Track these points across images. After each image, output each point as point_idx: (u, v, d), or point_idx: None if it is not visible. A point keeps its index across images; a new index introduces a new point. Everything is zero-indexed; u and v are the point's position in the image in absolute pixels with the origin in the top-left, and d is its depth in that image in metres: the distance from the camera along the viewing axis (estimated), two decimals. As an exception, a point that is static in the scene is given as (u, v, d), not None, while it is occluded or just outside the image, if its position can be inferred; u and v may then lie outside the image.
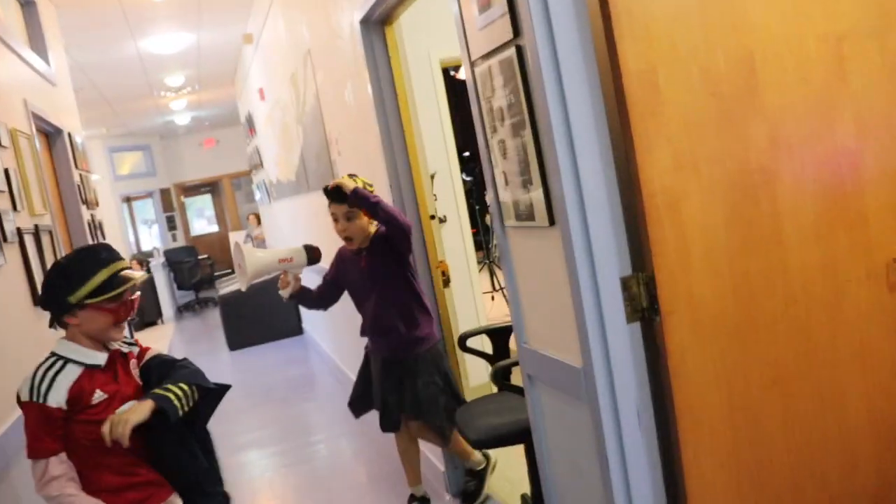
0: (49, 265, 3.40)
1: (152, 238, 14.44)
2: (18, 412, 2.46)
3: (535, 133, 1.93)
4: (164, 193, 14.43)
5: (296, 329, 8.40)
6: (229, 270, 14.21)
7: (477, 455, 3.26)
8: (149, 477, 2.03)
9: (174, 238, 14.54)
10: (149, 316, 10.56)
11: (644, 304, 1.89)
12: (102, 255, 1.97)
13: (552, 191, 1.92)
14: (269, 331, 8.30)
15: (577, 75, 1.85)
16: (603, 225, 1.87)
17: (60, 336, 2.00)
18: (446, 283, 3.36)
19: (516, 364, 2.39)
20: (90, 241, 4.95)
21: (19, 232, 3.08)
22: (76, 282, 1.90)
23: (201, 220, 15.78)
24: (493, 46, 2.03)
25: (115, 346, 2.05)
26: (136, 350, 2.15)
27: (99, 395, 1.93)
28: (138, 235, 14.49)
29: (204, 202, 15.78)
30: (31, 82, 4.13)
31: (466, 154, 7.50)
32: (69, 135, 4.89)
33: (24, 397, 1.87)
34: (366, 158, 3.63)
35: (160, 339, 9.40)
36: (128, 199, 14.07)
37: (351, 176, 3.04)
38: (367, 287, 3.10)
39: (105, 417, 1.90)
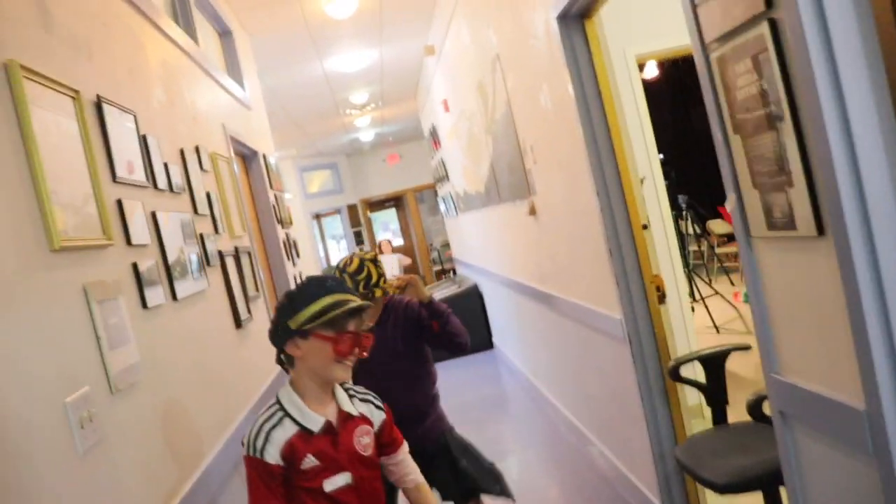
0: (247, 286, 3.46)
1: (341, 252, 14.96)
2: (223, 442, 2.45)
3: (798, 126, 1.60)
4: (351, 209, 14.94)
5: (486, 343, 8.28)
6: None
7: None
8: None
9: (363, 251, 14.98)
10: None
11: (946, 331, 1.51)
12: (329, 283, 1.86)
13: (822, 194, 1.57)
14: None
15: (855, 53, 1.50)
16: (890, 234, 1.50)
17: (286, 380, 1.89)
18: (661, 299, 3.03)
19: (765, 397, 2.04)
20: (286, 260, 5.06)
21: (220, 255, 3.11)
22: (299, 305, 1.80)
23: (387, 233, 16.18)
24: (737, 23, 1.71)
25: (345, 406, 1.86)
26: (376, 416, 1.94)
27: (309, 461, 1.77)
28: (328, 250, 15.07)
29: (389, 216, 16.18)
30: (229, 107, 4.25)
31: (661, 157, 7.06)
32: (264, 156, 5.02)
33: (245, 450, 1.78)
34: (567, 165, 3.38)
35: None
36: (317, 216, 14.68)
37: (373, 263, 2.79)
38: (386, 367, 2.71)
39: (316, 486, 1.77)
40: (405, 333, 2.80)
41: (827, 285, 1.62)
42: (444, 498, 2.76)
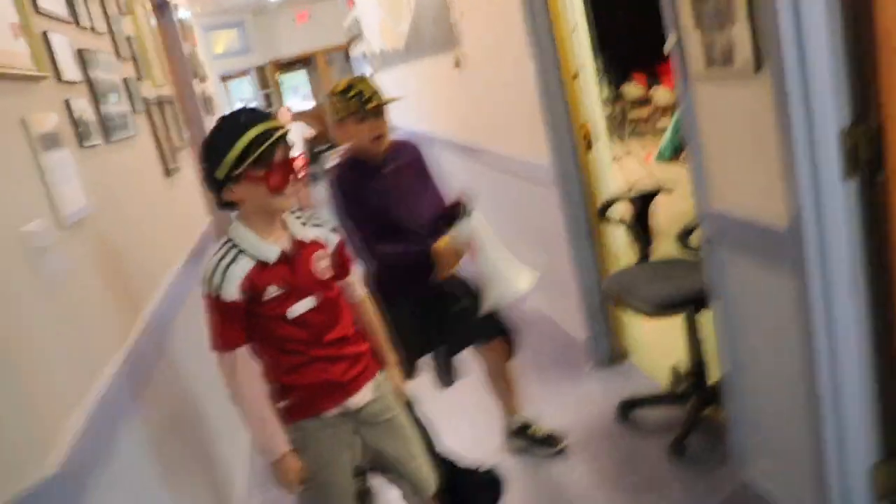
0: (172, 136, 3.37)
1: (250, 117, 14.54)
2: (166, 284, 2.47)
3: (743, -39, 1.65)
4: (260, 71, 14.35)
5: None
6: (328, 146, 14.24)
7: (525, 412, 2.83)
8: (340, 352, 1.91)
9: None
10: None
11: (865, 160, 1.65)
12: (241, 119, 1.75)
13: (760, 31, 1.65)
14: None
15: None
16: (822, 68, 1.61)
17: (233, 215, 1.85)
18: (589, 146, 3.13)
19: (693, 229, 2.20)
20: (203, 114, 4.91)
21: (145, 102, 3.00)
22: (221, 151, 1.72)
23: (297, 96, 15.71)
24: None
25: (297, 234, 1.85)
26: (329, 239, 1.93)
27: (271, 291, 1.78)
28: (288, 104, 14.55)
29: (299, 79, 15.66)
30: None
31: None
32: (175, 6, 4.77)
33: (203, 290, 1.78)
34: (497, 17, 3.36)
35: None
36: (224, 79, 14.07)
37: (369, 81, 2.48)
38: (401, 203, 2.50)
39: (280, 313, 1.80)
40: (417, 172, 2.60)
41: (760, 118, 1.73)
42: (469, 338, 2.67)
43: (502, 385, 2.79)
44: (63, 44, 2.09)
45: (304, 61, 15.36)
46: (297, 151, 8.97)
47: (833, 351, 1.74)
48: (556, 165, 3.15)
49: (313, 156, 12.84)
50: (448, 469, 2.24)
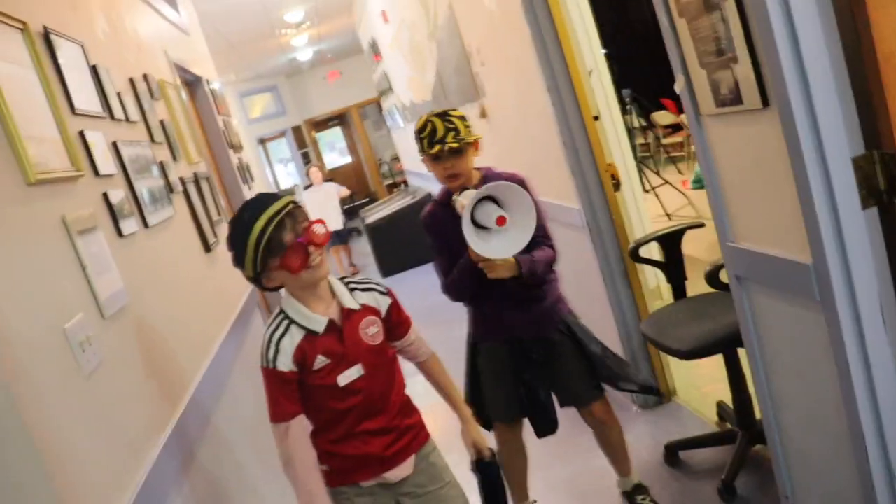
0: (210, 210, 3.48)
1: (290, 176, 14.83)
2: (208, 360, 2.53)
3: (739, 3, 1.68)
4: (296, 131, 14.72)
5: (444, 250, 8.41)
6: (367, 199, 14.45)
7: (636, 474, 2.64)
8: (389, 424, 1.94)
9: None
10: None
11: (882, 186, 1.64)
12: (245, 216, 1.79)
13: (765, 66, 1.67)
14: (420, 253, 8.33)
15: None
16: (829, 99, 1.61)
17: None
18: (616, 186, 3.14)
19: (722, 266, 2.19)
20: (241, 183, 5.05)
21: (182, 181, 3.12)
22: (241, 259, 1.80)
23: (333, 152, 16.03)
24: None
25: (345, 302, 1.89)
26: (381, 302, 1.96)
27: (321, 361, 1.84)
28: (276, 175, 14.91)
29: (335, 135, 15.99)
30: (169, 34, 4.15)
31: (604, 52, 7.09)
32: (207, 82, 4.94)
33: (261, 362, 1.84)
34: (515, 64, 3.42)
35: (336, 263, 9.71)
36: (262, 141, 14.45)
37: (445, 119, 2.34)
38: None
39: (331, 383, 1.85)
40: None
41: (773, 153, 1.74)
42: (566, 399, 2.54)
43: (607, 450, 2.62)
44: (98, 139, 2.20)
45: (338, 117, 15.70)
46: (330, 209, 8.72)
47: (871, 386, 1.71)
48: (584, 208, 3.17)
49: (353, 210, 13.03)
50: None
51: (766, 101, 1.71)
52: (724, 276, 2.25)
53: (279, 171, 15.06)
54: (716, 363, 2.76)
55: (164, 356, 2.18)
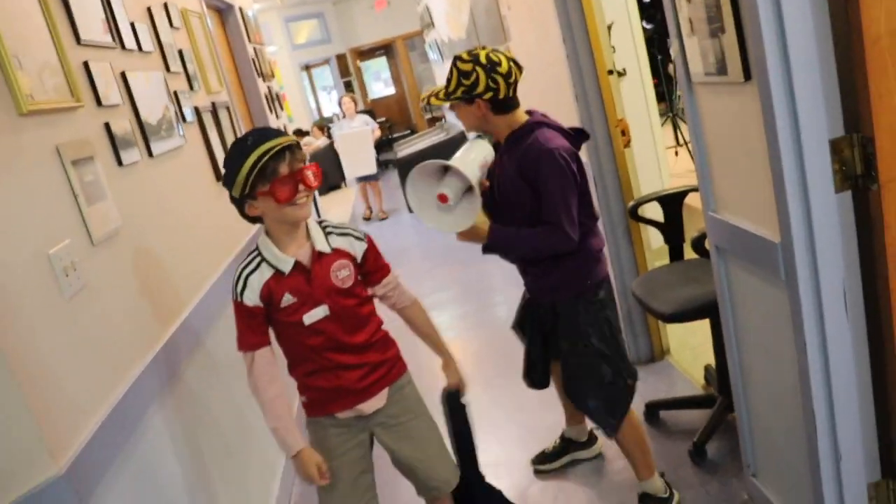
0: (227, 139, 3.54)
1: (332, 104, 14.82)
2: (205, 290, 2.63)
3: (728, -29, 1.65)
4: (341, 59, 14.65)
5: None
6: (408, 132, 14.42)
7: (658, 480, 2.43)
8: (361, 359, 2.02)
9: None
10: (332, 180, 10.96)
11: (858, 171, 1.63)
12: (248, 141, 1.86)
13: (748, 39, 1.65)
14: (447, 192, 8.37)
15: None
16: (810, 78, 1.59)
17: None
18: (627, 143, 3.12)
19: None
20: (268, 113, 5.10)
21: (197, 111, 3.17)
22: (233, 176, 1.86)
23: (378, 82, 15.94)
24: None
25: (317, 245, 1.95)
26: (355, 248, 2.01)
27: (287, 299, 1.92)
28: (319, 102, 14.92)
29: (380, 65, 15.87)
30: (201, -42, 4.15)
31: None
32: (240, 9, 4.95)
33: (232, 294, 1.95)
34: (537, 12, 3.38)
35: (343, 203, 9.78)
36: (306, 67, 14.42)
37: (453, 64, 2.22)
38: (495, 198, 2.32)
39: (297, 320, 1.93)
40: (515, 174, 2.23)
41: (752, 128, 1.73)
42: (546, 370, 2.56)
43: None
44: (104, 70, 2.25)
45: (384, 48, 15.56)
46: (364, 153, 8.44)
47: (826, 367, 1.73)
48: (591, 163, 3.16)
49: (389, 142, 13.03)
50: (471, 478, 2.25)
51: (748, 75, 1.69)
52: (708, 245, 2.25)
53: (322, 98, 15.07)
54: (707, 326, 2.77)
55: (158, 282, 2.27)
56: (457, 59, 2.21)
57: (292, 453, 1.96)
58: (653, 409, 2.88)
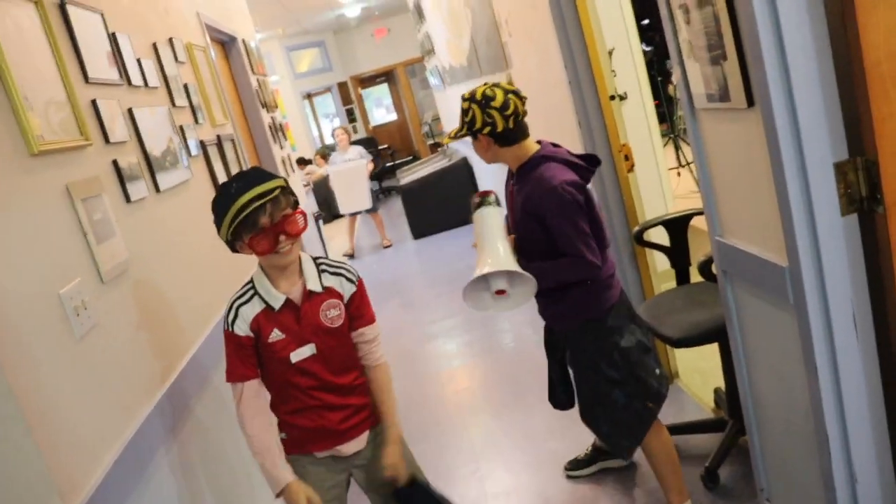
0: (232, 171, 3.56)
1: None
2: (212, 325, 2.63)
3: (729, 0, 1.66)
4: (342, 87, 14.77)
5: (476, 215, 8.45)
6: (410, 158, 14.49)
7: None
8: (342, 401, 2.02)
9: (355, 129, 14.94)
10: (335, 209, 11.00)
11: (863, 194, 1.63)
12: (233, 188, 1.85)
13: (750, 66, 1.66)
14: (451, 217, 8.41)
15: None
16: (813, 103, 1.60)
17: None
18: (630, 168, 3.14)
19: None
20: (272, 143, 5.13)
21: (202, 144, 3.20)
22: (218, 220, 1.89)
23: (380, 109, 16.06)
24: None
25: (309, 284, 1.96)
26: (346, 289, 2.01)
27: (275, 335, 1.93)
28: (321, 130, 15.02)
29: (381, 92, 15.99)
30: (203, -7, 4.21)
31: (646, 22, 6.97)
32: (243, 41, 5.00)
33: (223, 325, 1.96)
34: (538, 39, 3.41)
35: (347, 231, 9.80)
36: (308, 96, 14.54)
37: (465, 100, 2.28)
38: (513, 229, 2.34)
39: (284, 357, 1.93)
40: (522, 211, 2.26)
41: (757, 153, 1.74)
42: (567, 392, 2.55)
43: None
44: (111, 107, 2.28)
45: (385, 75, 15.69)
46: (358, 187, 8.18)
47: (838, 390, 1.72)
48: (595, 188, 3.17)
49: (392, 168, 13.08)
50: None
51: (750, 101, 1.70)
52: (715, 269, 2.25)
53: (325, 126, 15.16)
54: (716, 351, 2.77)
55: (165, 319, 2.27)
56: (461, 97, 2.30)
57: (279, 487, 1.94)
58: (665, 434, 2.85)
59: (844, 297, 1.68)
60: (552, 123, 3.56)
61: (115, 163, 2.19)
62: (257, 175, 1.90)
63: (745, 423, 2.19)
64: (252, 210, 1.81)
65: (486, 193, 2.28)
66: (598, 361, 2.29)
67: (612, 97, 3.11)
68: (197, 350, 2.39)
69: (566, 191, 2.15)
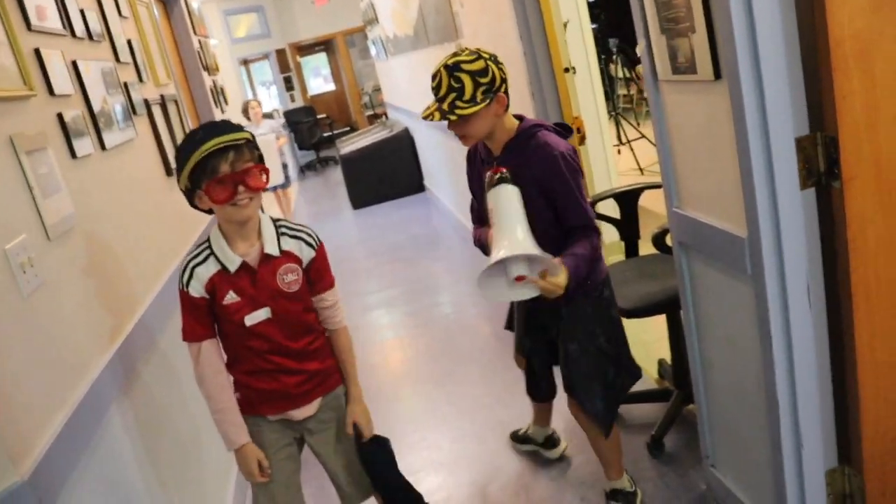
0: (176, 133, 3.45)
1: (271, 99, 14.61)
2: (159, 287, 2.56)
3: (700, -29, 1.68)
4: (280, 54, 14.44)
5: (418, 186, 8.43)
6: (348, 129, 14.33)
7: (626, 478, 2.42)
8: (299, 366, 1.99)
9: (292, 99, 14.67)
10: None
11: (821, 168, 1.68)
12: (198, 135, 1.80)
13: (719, 38, 1.68)
14: (392, 189, 8.37)
15: None
16: (778, 78, 1.63)
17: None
18: (581, 140, 3.16)
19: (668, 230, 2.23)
20: (213, 107, 4.99)
21: (147, 103, 3.08)
22: (180, 169, 1.82)
23: (318, 78, 15.80)
24: None
25: (267, 247, 1.90)
26: (305, 253, 1.96)
27: (230, 297, 1.89)
28: (258, 97, 14.69)
29: (319, 61, 15.73)
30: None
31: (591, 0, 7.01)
32: (185, 1, 4.83)
33: (178, 284, 1.90)
34: (492, 9, 3.38)
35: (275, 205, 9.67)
36: (245, 62, 14.18)
37: (454, 73, 2.00)
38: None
39: (238, 320, 1.89)
40: (527, 182, 2.05)
41: (721, 126, 1.76)
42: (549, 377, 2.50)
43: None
44: (56, 58, 2.17)
45: (324, 44, 15.42)
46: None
47: (790, 359, 1.78)
48: (548, 160, 3.19)
49: (330, 138, 12.90)
50: None
51: (718, 74, 1.73)
52: (669, 240, 2.29)
53: (261, 94, 14.83)
54: (662, 322, 2.83)
55: (113, 278, 2.19)
56: (458, 64, 2.00)
57: (235, 447, 1.95)
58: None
59: (800, 268, 1.73)
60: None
61: (59, 116, 2.09)
62: (225, 126, 1.85)
63: (694, 391, 2.25)
64: (213, 154, 1.76)
65: (500, 169, 2.04)
66: (597, 334, 2.21)
67: (567, 70, 3.12)
68: (145, 312, 2.32)
69: (572, 157, 2.07)
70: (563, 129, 2.20)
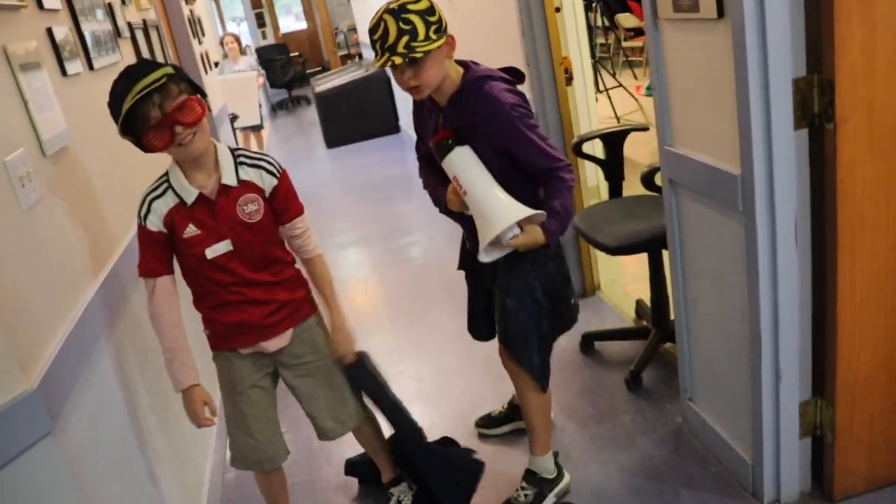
0: (157, 60, 3.38)
1: (242, 36, 14.28)
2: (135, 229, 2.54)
3: None
4: (252, -12, 14.10)
5: (392, 127, 8.38)
6: (320, 68, 14.09)
7: (550, 460, 2.29)
8: (267, 296, 1.97)
9: (264, 36, 14.35)
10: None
11: (816, 110, 1.72)
12: (119, 87, 1.71)
13: (724, -25, 1.70)
14: (367, 128, 8.30)
15: None
16: (780, 18, 1.66)
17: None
18: (569, 80, 3.17)
19: (658, 169, 2.27)
20: (191, 36, 4.88)
21: (130, 27, 3.02)
22: (115, 116, 1.76)
23: (290, 16, 15.45)
24: None
25: (225, 177, 1.85)
26: (266, 182, 1.91)
27: (190, 230, 1.86)
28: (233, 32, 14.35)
29: (291, -3, 15.37)
30: None
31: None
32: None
33: (136, 218, 1.87)
34: (484, -56, 3.34)
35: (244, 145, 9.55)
36: (215, -6, 13.80)
37: (401, 16, 1.84)
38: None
39: (199, 253, 1.87)
40: (475, 133, 1.95)
41: (721, 65, 1.79)
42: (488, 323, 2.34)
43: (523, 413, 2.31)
44: (44, -30, 2.11)
45: (297, -21, 15.04)
46: (246, 101, 7.25)
47: (774, 293, 1.85)
48: (535, 98, 3.20)
49: (303, 77, 12.69)
50: (408, 438, 2.25)
51: (721, 12, 1.75)
52: (658, 180, 2.33)
53: (231, 30, 14.48)
54: (640, 263, 2.90)
55: (104, 199, 2.18)
56: (403, 5, 1.85)
57: (182, 387, 1.91)
58: (589, 340, 2.99)
59: (789, 206, 1.79)
60: (490, 36, 3.54)
61: (49, 31, 2.05)
62: (143, 67, 1.76)
63: (676, 328, 2.32)
64: (138, 103, 1.69)
65: (445, 134, 1.95)
66: (535, 289, 2.09)
67: (558, 9, 3.11)
68: (133, 238, 2.30)
69: (523, 105, 1.96)
70: (514, 76, 2.07)
